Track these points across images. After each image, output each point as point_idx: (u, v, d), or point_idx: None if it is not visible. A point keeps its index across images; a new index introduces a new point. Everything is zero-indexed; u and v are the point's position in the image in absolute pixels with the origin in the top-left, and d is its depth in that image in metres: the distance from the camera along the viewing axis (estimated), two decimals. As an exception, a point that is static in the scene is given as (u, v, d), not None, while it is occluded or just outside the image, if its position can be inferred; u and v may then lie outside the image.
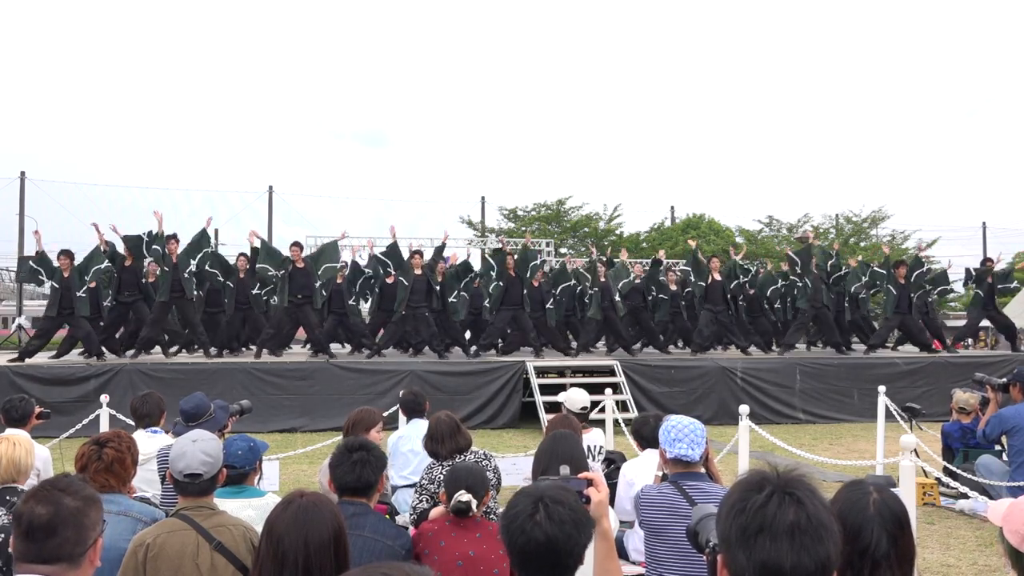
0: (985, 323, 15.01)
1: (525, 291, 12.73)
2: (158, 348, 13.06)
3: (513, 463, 6.21)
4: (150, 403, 4.82)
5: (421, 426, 5.11)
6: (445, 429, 4.29)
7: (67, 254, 11.91)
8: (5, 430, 4.70)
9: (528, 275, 12.85)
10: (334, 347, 13.87)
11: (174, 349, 13.47)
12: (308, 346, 14.32)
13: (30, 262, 12.24)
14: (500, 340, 13.75)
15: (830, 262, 14.54)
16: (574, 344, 13.91)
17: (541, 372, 12.39)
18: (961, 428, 7.40)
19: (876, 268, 14.79)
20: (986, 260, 14.33)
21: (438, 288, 12.78)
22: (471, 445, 4.38)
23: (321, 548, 2.25)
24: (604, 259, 14.38)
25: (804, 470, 1.47)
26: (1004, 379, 6.83)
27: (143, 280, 12.61)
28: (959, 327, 18.53)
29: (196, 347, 13.24)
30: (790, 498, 1.34)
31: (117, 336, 12.93)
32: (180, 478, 2.81)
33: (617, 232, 29.96)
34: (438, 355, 12.77)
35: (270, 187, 29.18)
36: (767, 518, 1.32)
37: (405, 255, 13.14)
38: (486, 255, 13.92)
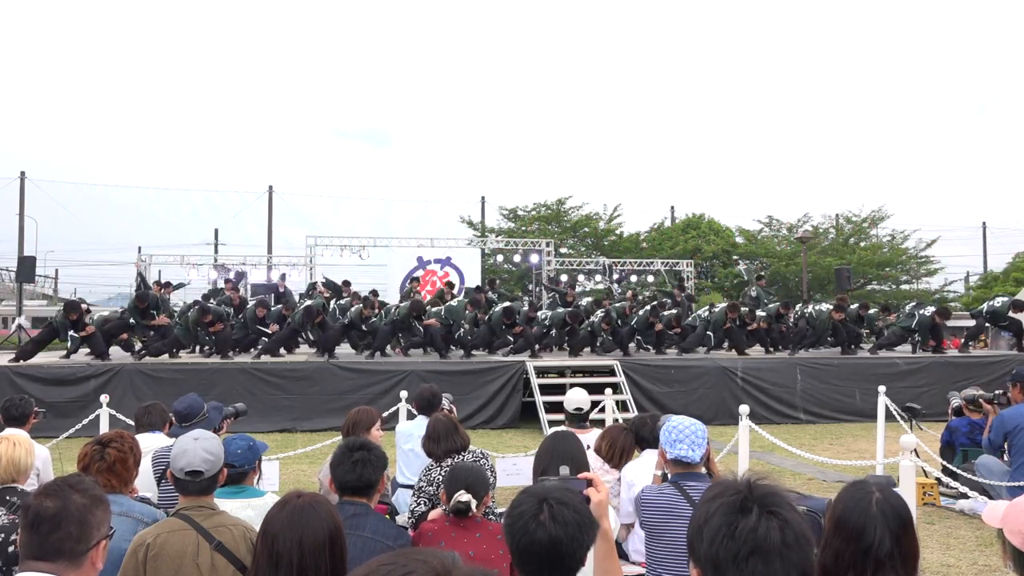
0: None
1: None
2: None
3: (513, 463, 6.20)
4: (153, 414, 4.80)
5: (425, 425, 5.07)
6: (442, 429, 4.29)
7: None
8: (4, 429, 4.70)
9: None
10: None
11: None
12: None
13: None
14: None
15: None
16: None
17: (541, 372, 12.39)
18: (970, 424, 7.40)
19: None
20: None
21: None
22: (468, 445, 4.37)
23: (316, 549, 2.25)
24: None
25: (765, 475, 1.50)
26: (998, 391, 6.89)
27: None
28: (960, 327, 18.57)
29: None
30: (775, 517, 1.38)
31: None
32: (181, 476, 2.80)
33: (617, 232, 29.94)
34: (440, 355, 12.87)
35: (270, 187, 29.23)
36: (758, 541, 1.36)
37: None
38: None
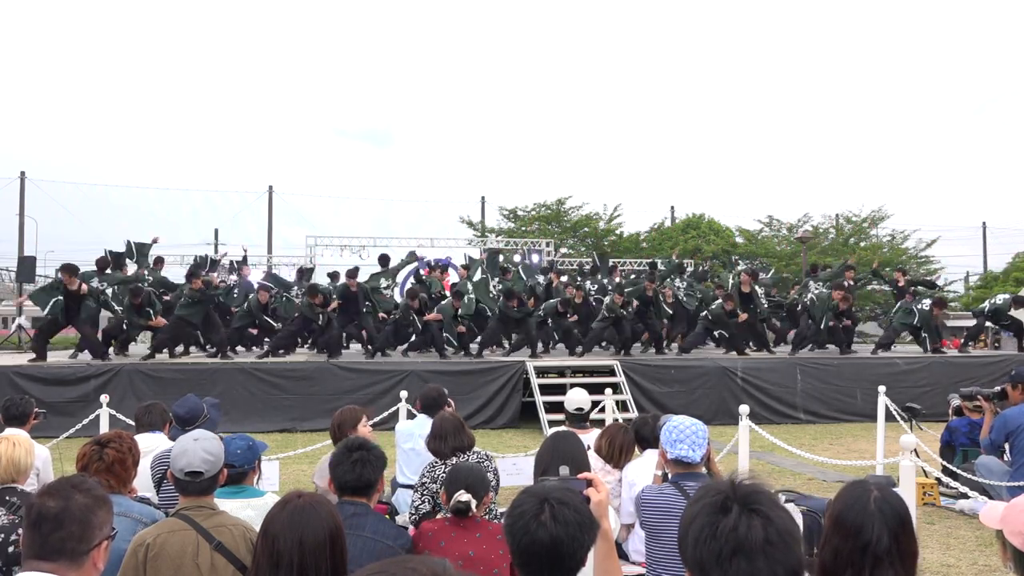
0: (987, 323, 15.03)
1: None
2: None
3: (513, 463, 6.20)
4: (153, 413, 4.80)
5: (427, 425, 5.07)
6: (449, 427, 4.30)
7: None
8: (4, 429, 4.70)
9: None
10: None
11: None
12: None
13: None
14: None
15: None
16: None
17: (541, 372, 12.39)
18: (970, 424, 7.40)
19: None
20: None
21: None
22: (474, 445, 4.38)
23: (317, 549, 2.25)
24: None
25: (751, 474, 1.51)
26: (997, 388, 6.86)
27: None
28: (960, 328, 18.57)
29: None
30: (756, 515, 1.38)
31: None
32: (181, 476, 2.81)
33: (617, 232, 29.93)
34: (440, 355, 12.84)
35: (270, 187, 29.18)
36: (740, 540, 1.36)
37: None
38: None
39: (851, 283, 14.86)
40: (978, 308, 15.07)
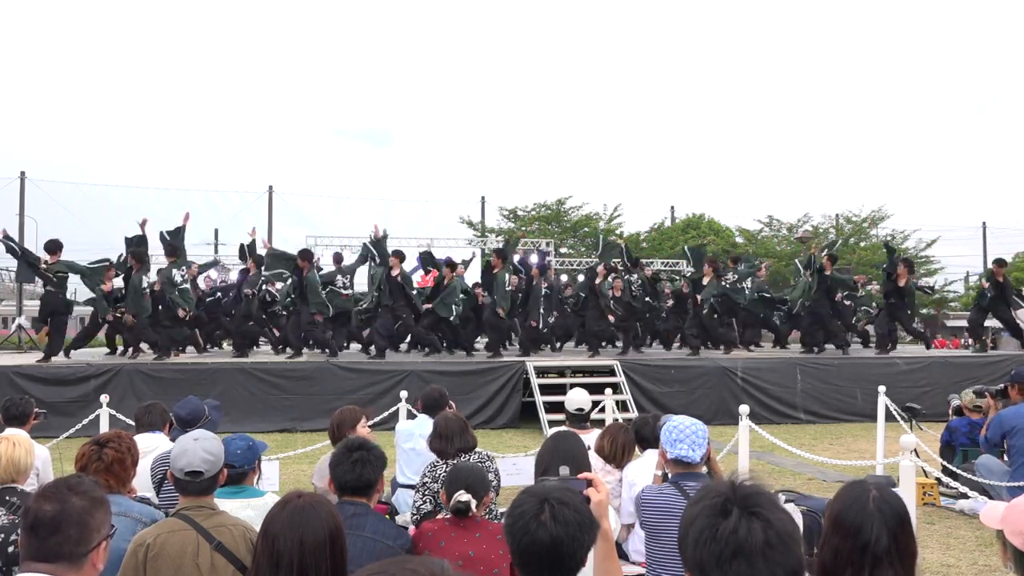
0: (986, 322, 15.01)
1: None
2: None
3: (513, 463, 6.20)
4: (153, 413, 4.80)
5: (427, 425, 5.06)
6: (455, 427, 4.29)
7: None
8: (4, 430, 4.70)
9: None
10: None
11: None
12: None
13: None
14: None
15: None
16: None
17: (541, 372, 12.39)
18: (970, 424, 7.40)
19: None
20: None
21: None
22: (476, 445, 4.38)
23: (317, 548, 2.25)
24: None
25: (751, 475, 1.53)
26: (1000, 385, 6.87)
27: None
28: (960, 328, 18.58)
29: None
30: (756, 518, 1.39)
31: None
32: (181, 476, 2.81)
33: (617, 232, 29.92)
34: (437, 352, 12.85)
35: (270, 187, 29.15)
36: (740, 542, 1.37)
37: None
38: None
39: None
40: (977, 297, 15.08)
